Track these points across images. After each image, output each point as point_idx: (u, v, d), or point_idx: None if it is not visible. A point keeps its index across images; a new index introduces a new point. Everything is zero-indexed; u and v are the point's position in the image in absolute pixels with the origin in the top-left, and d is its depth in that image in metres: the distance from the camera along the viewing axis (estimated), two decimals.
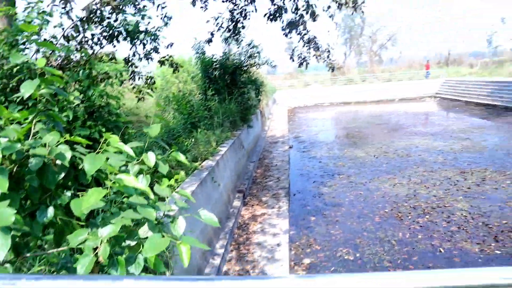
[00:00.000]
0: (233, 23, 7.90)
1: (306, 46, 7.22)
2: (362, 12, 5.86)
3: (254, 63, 10.37)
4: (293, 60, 7.53)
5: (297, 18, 6.69)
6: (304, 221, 7.05)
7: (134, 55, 6.12)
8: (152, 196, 1.43)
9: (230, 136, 8.07)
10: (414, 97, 32.81)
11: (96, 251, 1.28)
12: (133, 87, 5.69)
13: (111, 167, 1.48)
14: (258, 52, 10.07)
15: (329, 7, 6.29)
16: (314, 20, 6.39)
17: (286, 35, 7.82)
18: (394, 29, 51.83)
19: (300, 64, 7.31)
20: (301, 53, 7.31)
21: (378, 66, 44.80)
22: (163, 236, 1.40)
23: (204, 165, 6.06)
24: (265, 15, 7.74)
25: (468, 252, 5.57)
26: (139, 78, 6.15)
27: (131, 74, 5.95)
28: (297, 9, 6.44)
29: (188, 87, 10.45)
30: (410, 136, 14.92)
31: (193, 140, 6.64)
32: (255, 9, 7.69)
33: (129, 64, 6.07)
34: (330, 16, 6.70)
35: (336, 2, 5.76)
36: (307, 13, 6.24)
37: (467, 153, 11.69)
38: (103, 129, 3.27)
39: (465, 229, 6.30)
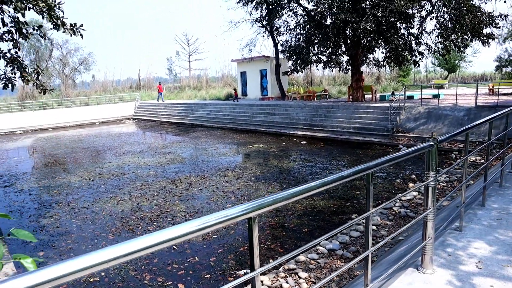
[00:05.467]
0: None
1: (10, 66, 6.48)
2: (81, 35, 5.91)
3: None
4: None
5: (2, 34, 5.88)
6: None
7: None
8: None
9: None
10: (114, 120, 33.88)
11: None
12: None
13: None
14: None
15: (40, 26, 5.92)
16: (25, 38, 5.83)
17: None
18: (86, 53, 51.48)
19: (5, 86, 6.45)
20: (4, 73, 6.47)
21: (72, 89, 43.27)
22: None
23: None
24: None
25: (195, 243, 6.65)
26: None
27: None
28: (3, 24, 5.67)
29: None
30: (120, 156, 15.53)
31: None
32: None
33: None
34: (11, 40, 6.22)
35: (53, 22, 5.54)
36: (16, 30, 5.64)
37: (172, 164, 13.40)
38: None
39: None
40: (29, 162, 16.13)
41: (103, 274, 5.71)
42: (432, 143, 2.57)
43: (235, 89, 30.71)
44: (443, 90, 27.38)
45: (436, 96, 20.27)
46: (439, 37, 19.16)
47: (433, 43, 19.99)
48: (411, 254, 2.76)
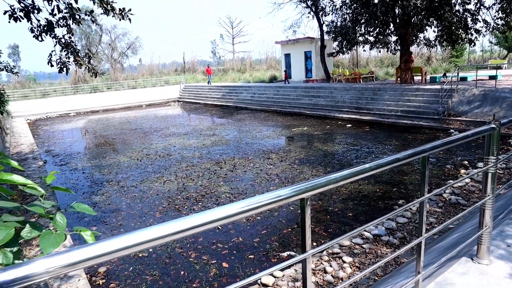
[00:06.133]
0: None
1: (64, 51, 6.80)
2: (130, 19, 6.08)
3: None
4: (51, 65, 6.90)
5: (57, 20, 6.19)
6: None
7: None
8: (41, 190, 1.41)
9: None
10: (160, 102, 34.81)
11: None
12: None
13: None
14: None
15: (92, 11, 6.16)
16: (78, 24, 6.10)
17: (37, 38, 7.12)
18: (133, 37, 52.97)
19: (61, 70, 6.80)
20: (60, 58, 6.82)
21: (120, 73, 44.83)
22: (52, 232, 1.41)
23: None
24: (6, 12, 6.79)
25: (239, 223, 6.75)
26: None
27: None
28: (59, 10, 5.96)
29: None
30: (166, 138, 15.98)
31: None
32: None
33: None
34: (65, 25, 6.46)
35: (103, 7, 5.74)
36: (69, 15, 5.90)
37: (217, 146, 13.59)
38: None
39: None
40: (82, 142, 17.00)
41: (150, 250, 5.95)
42: (494, 126, 2.39)
43: (285, 71, 30.44)
44: (501, 70, 25.64)
45: (493, 77, 18.99)
46: (500, 12, 17.77)
47: (492, 19, 18.62)
48: (465, 243, 2.62)
